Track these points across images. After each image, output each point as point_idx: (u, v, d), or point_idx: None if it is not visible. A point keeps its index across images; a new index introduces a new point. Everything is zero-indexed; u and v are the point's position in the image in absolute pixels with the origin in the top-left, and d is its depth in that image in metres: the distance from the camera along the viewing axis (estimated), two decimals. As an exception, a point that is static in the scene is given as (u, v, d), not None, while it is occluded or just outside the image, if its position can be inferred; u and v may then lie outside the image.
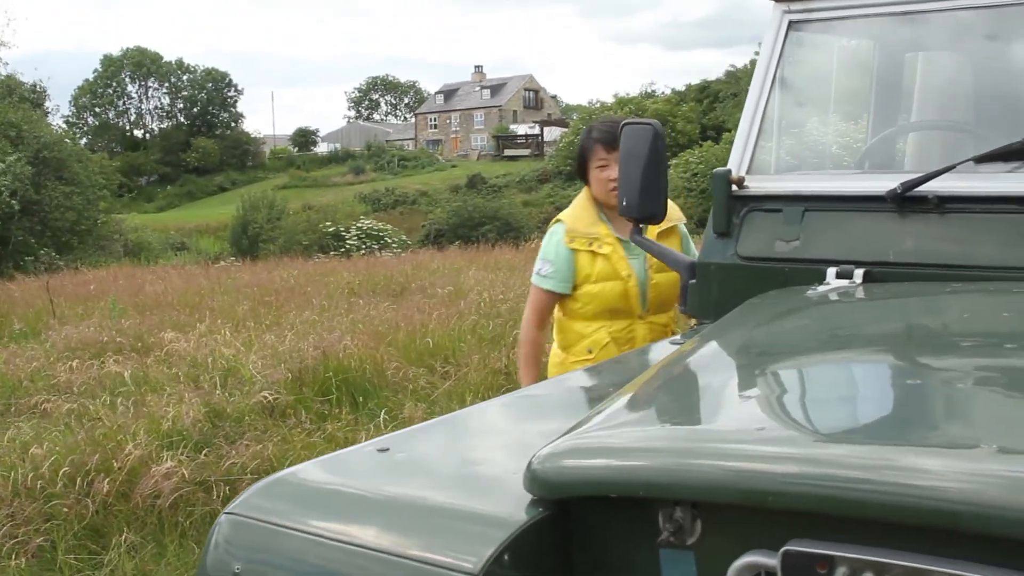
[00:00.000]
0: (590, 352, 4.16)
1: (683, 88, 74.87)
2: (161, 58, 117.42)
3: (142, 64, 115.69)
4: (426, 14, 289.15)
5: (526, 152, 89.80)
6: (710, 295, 3.13)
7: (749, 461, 1.50)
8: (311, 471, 2.04)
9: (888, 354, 2.19)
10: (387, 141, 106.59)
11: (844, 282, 2.80)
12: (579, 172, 4.32)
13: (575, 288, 4.21)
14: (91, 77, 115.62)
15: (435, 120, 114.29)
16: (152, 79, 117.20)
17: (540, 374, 4.37)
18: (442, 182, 74.08)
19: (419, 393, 8.36)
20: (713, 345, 2.41)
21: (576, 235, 4.22)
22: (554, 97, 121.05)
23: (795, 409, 1.84)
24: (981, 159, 2.75)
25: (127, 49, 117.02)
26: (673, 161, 43.80)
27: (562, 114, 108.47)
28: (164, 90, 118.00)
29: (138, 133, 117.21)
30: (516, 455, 1.90)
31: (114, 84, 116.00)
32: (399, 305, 13.28)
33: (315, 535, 1.75)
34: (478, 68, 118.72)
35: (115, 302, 14.55)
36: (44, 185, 42.32)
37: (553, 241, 4.29)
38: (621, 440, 1.71)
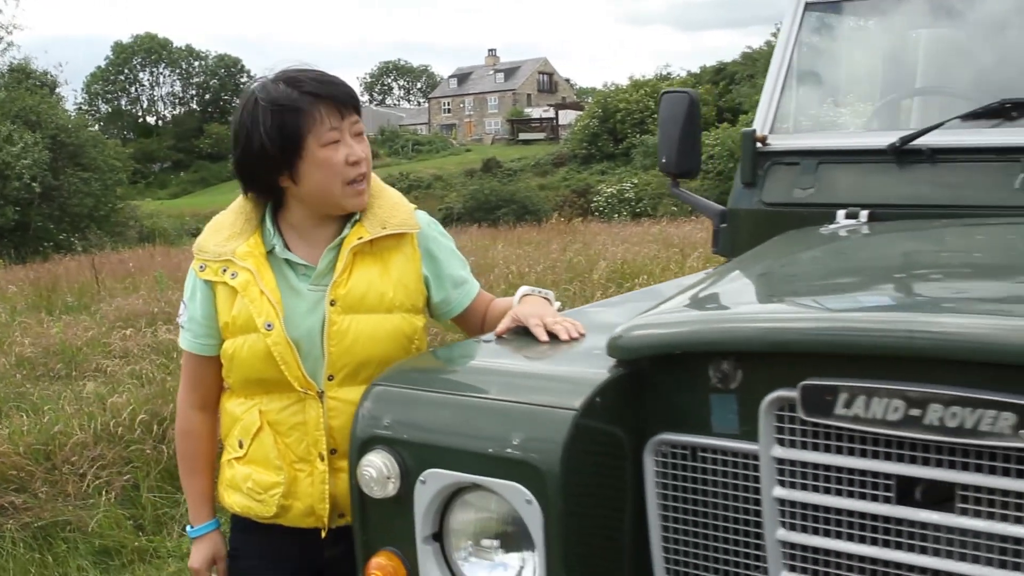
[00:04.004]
0: (241, 446, 2.76)
1: (699, 70, 75.11)
2: (171, 44, 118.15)
3: (153, 50, 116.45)
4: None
5: (541, 136, 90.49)
6: (739, 237, 3.67)
7: (776, 321, 2.09)
8: (436, 354, 2.67)
9: (881, 267, 2.75)
10: (400, 126, 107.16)
11: (851, 222, 3.34)
12: (274, 163, 2.62)
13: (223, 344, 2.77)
14: (103, 64, 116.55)
15: (449, 104, 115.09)
16: (163, 65, 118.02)
17: (210, 475, 2.96)
18: (457, 166, 74.63)
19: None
20: (744, 264, 2.97)
21: (206, 257, 2.74)
22: (568, 80, 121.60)
23: (808, 294, 2.43)
24: (967, 117, 3.30)
25: (138, 36, 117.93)
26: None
27: (577, 97, 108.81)
28: (175, 76, 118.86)
29: (150, 120, 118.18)
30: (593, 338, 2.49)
31: (126, 71, 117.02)
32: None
33: (447, 394, 2.33)
34: (491, 52, 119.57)
35: (162, 276, 15.18)
36: (62, 171, 42.90)
37: (191, 270, 2.81)
38: (681, 316, 2.29)
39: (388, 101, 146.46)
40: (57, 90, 59.92)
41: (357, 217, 2.74)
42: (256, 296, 2.65)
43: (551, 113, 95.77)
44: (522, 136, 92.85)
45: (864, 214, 3.34)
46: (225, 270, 2.69)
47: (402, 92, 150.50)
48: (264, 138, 2.58)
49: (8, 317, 12.04)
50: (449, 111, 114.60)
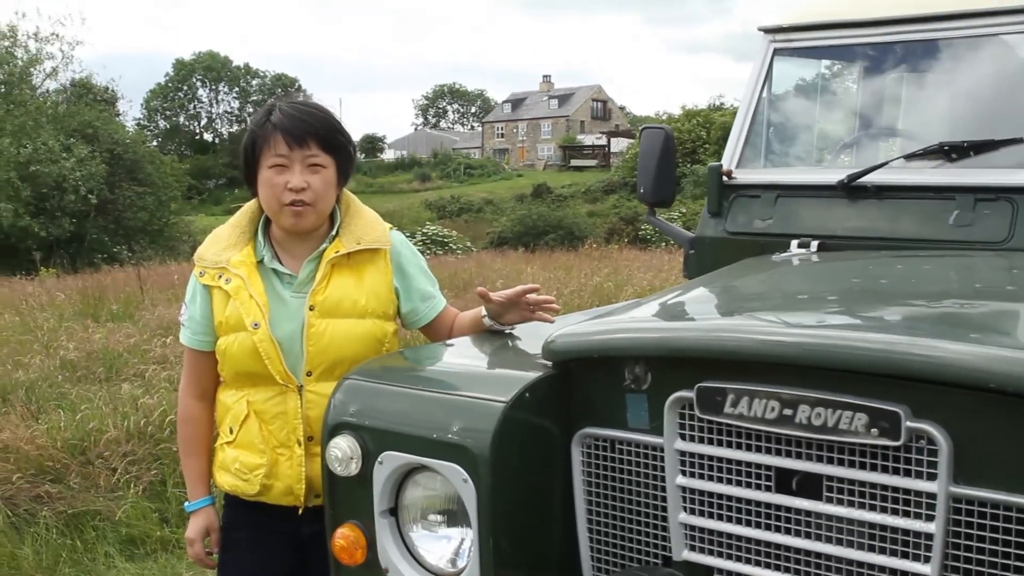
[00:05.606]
0: (231, 432, 3.17)
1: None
2: (231, 62, 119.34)
3: (212, 68, 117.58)
4: (494, 23, 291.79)
5: (592, 163, 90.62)
6: (704, 261, 3.99)
7: (673, 331, 2.45)
8: (402, 355, 3.05)
9: (799, 290, 3.08)
10: (454, 149, 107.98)
11: (802, 251, 3.66)
12: (245, 173, 3.15)
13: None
14: (163, 81, 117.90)
15: (502, 129, 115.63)
16: (222, 83, 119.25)
17: (206, 457, 3.32)
18: (508, 191, 74.88)
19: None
20: (690, 286, 3.29)
21: (205, 264, 3.16)
22: (622, 108, 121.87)
23: (718, 311, 2.81)
24: (910, 157, 3.61)
25: (199, 53, 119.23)
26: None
27: (630, 125, 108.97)
28: (234, 95, 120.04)
29: (208, 137, 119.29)
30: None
31: (185, 88, 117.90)
32: (461, 299, 14.21)
33: (403, 388, 2.71)
34: (546, 78, 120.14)
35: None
36: (118, 185, 43.67)
37: (192, 276, 3.24)
38: (602, 325, 2.64)
39: (443, 124, 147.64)
40: (116, 104, 60.76)
41: (335, 233, 3.15)
42: (246, 299, 3.05)
43: (603, 140, 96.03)
44: (574, 162, 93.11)
45: (815, 244, 3.66)
46: (221, 276, 3.11)
47: (456, 116, 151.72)
48: (242, 151, 3.13)
49: (56, 323, 12.53)
50: (502, 136, 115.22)
